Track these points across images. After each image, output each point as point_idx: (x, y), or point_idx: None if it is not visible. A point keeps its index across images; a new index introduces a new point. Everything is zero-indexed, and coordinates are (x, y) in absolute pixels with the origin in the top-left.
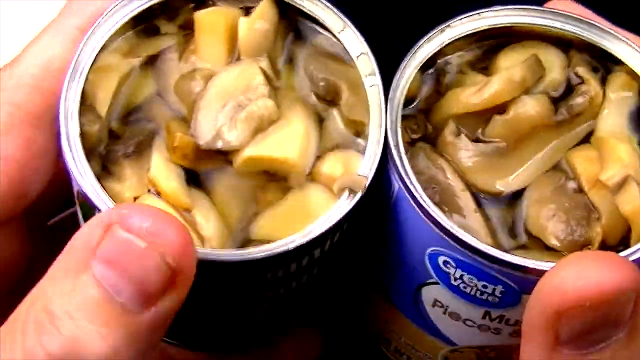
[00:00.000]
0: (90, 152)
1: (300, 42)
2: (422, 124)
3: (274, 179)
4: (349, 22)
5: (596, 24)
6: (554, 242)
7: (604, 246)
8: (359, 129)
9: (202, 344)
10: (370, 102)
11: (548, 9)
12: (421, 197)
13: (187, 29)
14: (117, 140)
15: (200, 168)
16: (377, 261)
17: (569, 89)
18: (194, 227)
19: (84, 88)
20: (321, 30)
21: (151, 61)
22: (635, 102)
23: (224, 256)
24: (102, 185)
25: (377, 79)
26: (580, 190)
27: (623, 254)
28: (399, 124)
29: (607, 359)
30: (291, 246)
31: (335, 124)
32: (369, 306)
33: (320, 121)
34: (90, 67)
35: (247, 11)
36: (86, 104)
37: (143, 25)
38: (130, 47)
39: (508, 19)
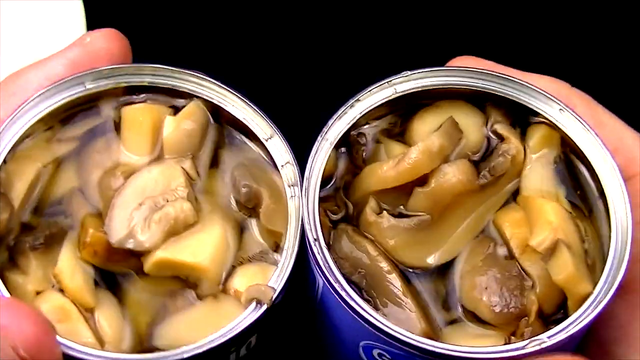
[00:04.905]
0: None
1: (227, 147)
2: (342, 204)
3: (185, 286)
4: (277, 130)
5: (509, 77)
6: (489, 316)
7: (540, 314)
8: (276, 240)
9: None
10: (290, 212)
11: (458, 68)
12: (347, 294)
13: (116, 123)
14: (29, 231)
15: (113, 268)
16: (314, 348)
17: (490, 148)
18: (94, 328)
19: None
20: (249, 137)
21: (74, 154)
22: (558, 154)
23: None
24: (4, 276)
25: (298, 190)
26: (511, 256)
27: (561, 325)
28: (317, 218)
29: None
30: (186, 355)
31: (253, 234)
32: None
33: (241, 230)
34: (10, 154)
35: (176, 111)
36: None
37: (68, 117)
38: (53, 139)
39: (419, 82)
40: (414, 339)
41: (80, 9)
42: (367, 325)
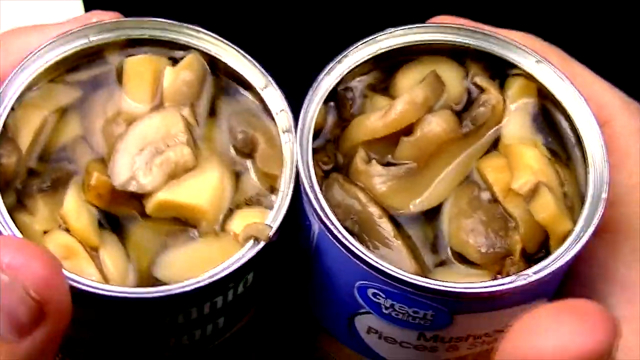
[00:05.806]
0: (5, 184)
1: (224, 97)
2: (332, 155)
3: (185, 227)
4: (271, 79)
5: (487, 32)
6: (475, 256)
7: (524, 254)
8: (272, 183)
9: None
10: (285, 156)
11: (439, 24)
12: (343, 236)
13: (118, 74)
14: (35, 176)
15: (117, 211)
16: (307, 295)
17: (471, 100)
18: (99, 266)
19: (6, 121)
20: (244, 87)
21: (78, 104)
22: (536, 104)
23: (117, 292)
24: (12, 217)
25: (292, 136)
26: (494, 200)
27: (546, 261)
28: (311, 165)
29: None
30: (188, 288)
31: (250, 178)
32: (301, 333)
33: (237, 175)
34: (17, 102)
35: (175, 62)
36: (7, 136)
37: (72, 68)
38: (58, 83)
39: (402, 39)
40: (407, 276)
41: (80, 9)
42: (362, 265)
